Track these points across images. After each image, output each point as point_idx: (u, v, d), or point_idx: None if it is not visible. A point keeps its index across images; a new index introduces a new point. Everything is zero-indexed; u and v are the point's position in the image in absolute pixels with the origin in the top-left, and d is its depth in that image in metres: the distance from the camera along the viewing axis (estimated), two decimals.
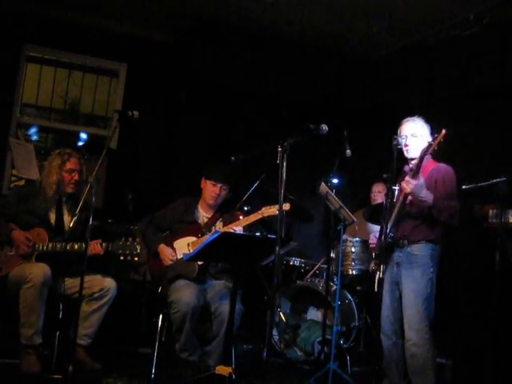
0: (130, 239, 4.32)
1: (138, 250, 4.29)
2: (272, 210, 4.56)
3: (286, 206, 4.52)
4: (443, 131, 3.79)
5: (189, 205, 4.95)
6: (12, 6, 6.21)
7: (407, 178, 3.96)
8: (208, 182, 4.85)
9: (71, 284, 4.50)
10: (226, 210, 4.98)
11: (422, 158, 3.91)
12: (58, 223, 4.62)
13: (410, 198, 4.05)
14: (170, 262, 4.70)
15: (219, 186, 4.82)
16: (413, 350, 4.01)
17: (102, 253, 4.40)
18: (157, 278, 4.81)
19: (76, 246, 4.41)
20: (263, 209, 4.63)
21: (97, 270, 4.56)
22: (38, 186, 4.66)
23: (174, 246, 4.79)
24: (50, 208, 4.61)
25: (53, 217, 4.62)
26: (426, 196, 3.95)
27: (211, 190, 4.83)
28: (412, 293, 4.04)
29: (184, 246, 4.73)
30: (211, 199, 4.85)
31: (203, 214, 4.94)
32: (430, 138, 4.08)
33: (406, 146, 4.16)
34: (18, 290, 4.24)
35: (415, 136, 4.16)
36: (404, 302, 4.09)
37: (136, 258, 4.30)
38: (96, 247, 4.40)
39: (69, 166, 4.62)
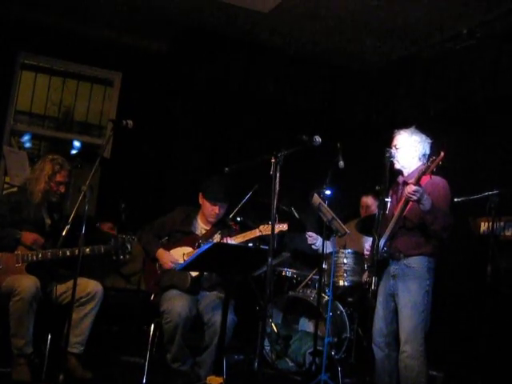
0: (119, 239, 4.52)
1: (129, 249, 4.54)
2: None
3: (284, 227, 4.62)
4: (442, 154, 3.73)
5: (188, 214, 4.91)
6: (7, 14, 6.22)
7: (411, 186, 3.85)
8: (207, 201, 4.82)
9: (61, 290, 4.49)
10: (224, 223, 4.94)
11: (419, 179, 3.85)
12: (51, 228, 4.60)
13: (407, 210, 4.03)
14: (172, 265, 4.65)
15: (218, 205, 4.80)
16: (407, 362, 3.99)
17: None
18: (151, 284, 4.79)
19: (68, 253, 4.38)
20: (261, 227, 4.64)
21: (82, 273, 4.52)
22: (28, 192, 4.59)
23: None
24: (43, 214, 4.60)
25: (48, 222, 4.61)
26: (427, 200, 3.87)
27: (211, 209, 4.79)
28: (409, 305, 4.02)
29: (180, 256, 4.70)
30: (211, 218, 4.83)
31: (202, 226, 4.90)
32: (419, 148, 4.13)
33: (393, 157, 4.19)
34: (8, 301, 4.22)
35: (398, 148, 4.17)
36: (400, 314, 4.07)
37: (128, 256, 4.57)
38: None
39: (59, 178, 4.56)
